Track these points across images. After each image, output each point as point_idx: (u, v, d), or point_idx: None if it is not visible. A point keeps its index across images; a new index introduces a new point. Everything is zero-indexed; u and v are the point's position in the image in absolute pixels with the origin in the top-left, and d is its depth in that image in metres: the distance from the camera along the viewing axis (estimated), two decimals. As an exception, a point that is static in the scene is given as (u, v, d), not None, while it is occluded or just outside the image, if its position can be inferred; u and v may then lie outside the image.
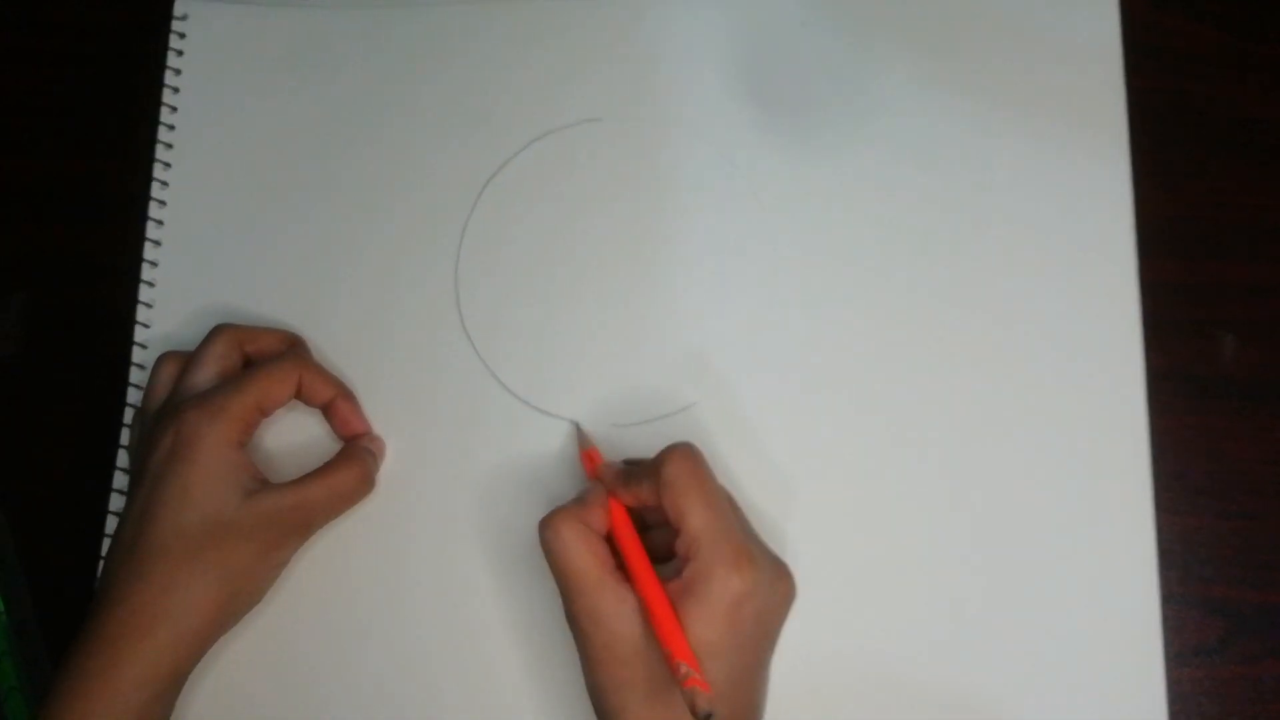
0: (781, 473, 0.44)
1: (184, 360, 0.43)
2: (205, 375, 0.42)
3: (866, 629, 0.42)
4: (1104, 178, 0.45)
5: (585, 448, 0.43)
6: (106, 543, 0.45)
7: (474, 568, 0.44)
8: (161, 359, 0.44)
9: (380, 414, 0.45)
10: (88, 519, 0.46)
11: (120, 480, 0.46)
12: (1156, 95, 0.47)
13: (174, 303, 0.48)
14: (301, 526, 0.41)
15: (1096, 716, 0.41)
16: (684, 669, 0.34)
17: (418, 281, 0.47)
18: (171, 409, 0.41)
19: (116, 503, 0.46)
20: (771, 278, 0.45)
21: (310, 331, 0.46)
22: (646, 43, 0.48)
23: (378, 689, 0.43)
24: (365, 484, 0.43)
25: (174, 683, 0.39)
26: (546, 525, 0.37)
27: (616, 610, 0.36)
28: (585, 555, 0.36)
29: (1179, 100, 0.47)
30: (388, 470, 0.45)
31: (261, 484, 0.41)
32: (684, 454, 0.37)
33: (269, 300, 0.47)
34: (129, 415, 0.46)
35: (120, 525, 0.40)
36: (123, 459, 0.46)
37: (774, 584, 0.36)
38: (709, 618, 0.35)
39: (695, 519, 0.36)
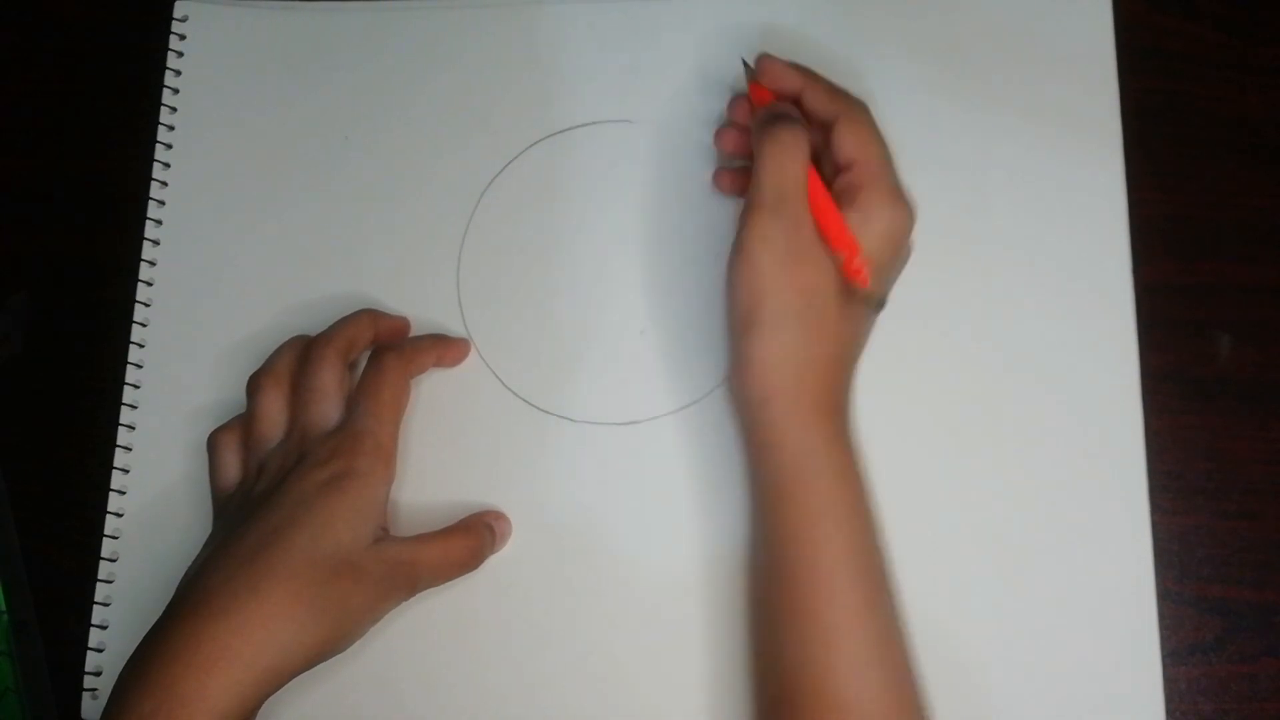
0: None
1: (284, 386, 0.42)
2: (333, 404, 0.41)
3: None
4: (1099, 179, 0.45)
5: (751, 79, 0.43)
6: (108, 543, 0.46)
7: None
8: (262, 386, 0.42)
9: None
10: (90, 519, 0.46)
11: (120, 480, 0.46)
12: (1154, 96, 0.47)
13: (172, 302, 0.48)
14: (407, 583, 0.40)
15: (1095, 713, 0.41)
16: (853, 258, 0.38)
17: (420, 282, 0.47)
18: (319, 440, 0.40)
19: (117, 503, 0.46)
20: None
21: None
22: (646, 47, 0.48)
23: (378, 685, 0.43)
24: (476, 558, 0.42)
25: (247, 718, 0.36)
26: (793, 128, 0.39)
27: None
28: (809, 170, 0.39)
29: (1177, 101, 0.48)
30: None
31: (385, 532, 0.40)
32: (865, 107, 0.41)
33: (268, 301, 0.47)
34: (128, 415, 0.47)
35: (238, 531, 0.38)
36: (123, 459, 0.46)
37: (911, 234, 0.40)
38: (873, 236, 0.38)
39: (876, 151, 0.39)
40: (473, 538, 0.42)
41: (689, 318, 0.46)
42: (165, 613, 0.37)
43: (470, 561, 0.42)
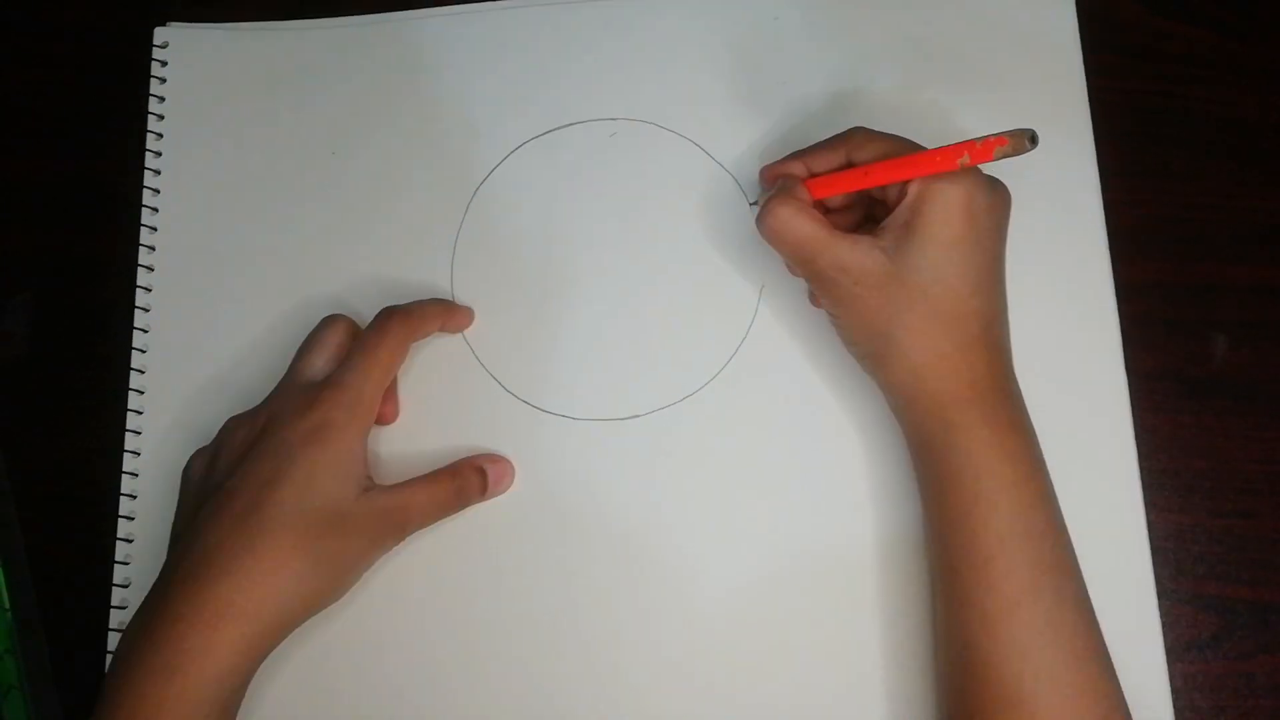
0: (778, 468, 0.44)
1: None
2: (323, 359, 0.42)
3: (859, 623, 0.43)
4: (1072, 178, 0.46)
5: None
6: (119, 545, 0.46)
7: (475, 567, 0.44)
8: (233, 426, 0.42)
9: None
10: (93, 517, 0.46)
11: (131, 462, 0.46)
12: (1151, 98, 0.48)
13: (177, 303, 0.48)
14: (398, 528, 0.41)
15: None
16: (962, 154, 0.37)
17: (414, 288, 0.47)
18: (303, 391, 0.41)
19: (130, 485, 0.46)
20: (760, 275, 0.46)
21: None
22: (627, 46, 0.49)
23: (379, 683, 0.44)
24: (462, 497, 0.43)
25: (251, 673, 0.38)
26: (763, 214, 0.39)
27: (854, 249, 0.38)
28: (808, 221, 0.39)
29: (1172, 102, 0.48)
30: (389, 471, 0.44)
31: (371, 481, 0.41)
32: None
33: (266, 304, 0.47)
34: (136, 407, 0.47)
35: (227, 490, 0.39)
36: (129, 462, 0.46)
37: (992, 185, 0.39)
38: (946, 217, 0.38)
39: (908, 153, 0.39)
40: (459, 478, 0.43)
41: (680, 310, 0.46)
42: (161, 577, 0.38)
43: (458, 500, 0.43)
